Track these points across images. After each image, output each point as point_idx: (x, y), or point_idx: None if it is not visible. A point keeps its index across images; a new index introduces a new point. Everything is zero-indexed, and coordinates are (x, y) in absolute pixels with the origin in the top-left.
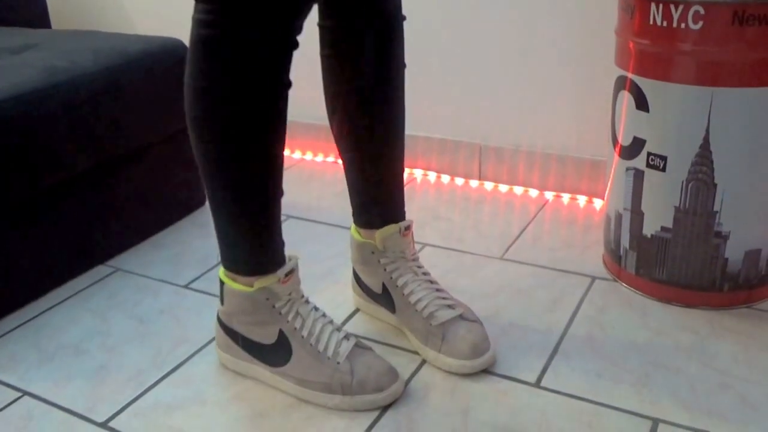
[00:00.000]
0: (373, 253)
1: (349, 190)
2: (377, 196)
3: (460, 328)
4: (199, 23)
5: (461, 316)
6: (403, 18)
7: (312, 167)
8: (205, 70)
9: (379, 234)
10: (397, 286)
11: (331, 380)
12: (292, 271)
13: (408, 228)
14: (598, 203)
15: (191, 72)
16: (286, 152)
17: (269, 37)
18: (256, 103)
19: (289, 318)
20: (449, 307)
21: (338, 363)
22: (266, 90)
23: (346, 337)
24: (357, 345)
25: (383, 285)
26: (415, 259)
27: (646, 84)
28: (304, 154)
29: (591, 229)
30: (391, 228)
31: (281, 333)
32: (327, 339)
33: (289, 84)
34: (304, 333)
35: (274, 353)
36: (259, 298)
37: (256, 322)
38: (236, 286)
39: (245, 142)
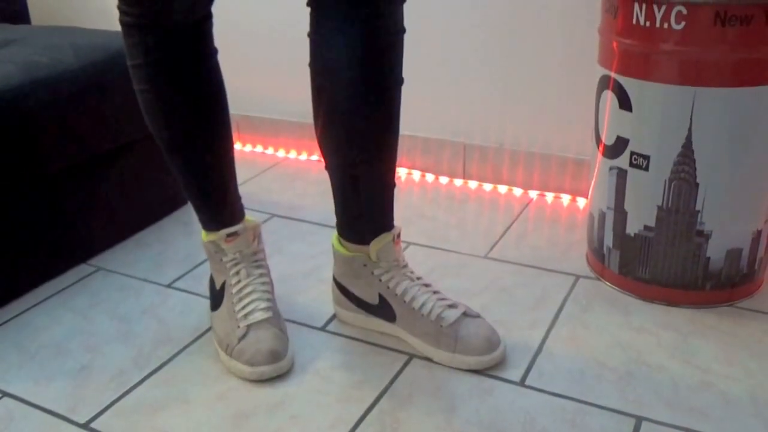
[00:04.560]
0: (365, 265)
1: (337, 206)
2: (369, 210)
3: (470, 326)
4: None
5: (465, 314)
6: (403, 30)
7: (296, 165)
8: None
9: (374, 245)
10: (396, 295)
11: (225, 337)
12: (236, 234)
13: (399, 235)
14: (581, 202)
15: None
16: (270, 151)
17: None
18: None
19: (230, 273)
20: (452, 306)
21: (239, 327)
22: None
23: (265, 310)
24: (267, 317)
25: (380, 295)
26: (406, 266)
27: (629, 83)
28: (288, 152)
29: (575, 228)
30: (386, 237)
31: (223, 283)
32: (246, 304)
33: None
34: (233, 290)
35: (213, 298)
36: (210, 249)
37: (213, 267)
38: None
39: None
